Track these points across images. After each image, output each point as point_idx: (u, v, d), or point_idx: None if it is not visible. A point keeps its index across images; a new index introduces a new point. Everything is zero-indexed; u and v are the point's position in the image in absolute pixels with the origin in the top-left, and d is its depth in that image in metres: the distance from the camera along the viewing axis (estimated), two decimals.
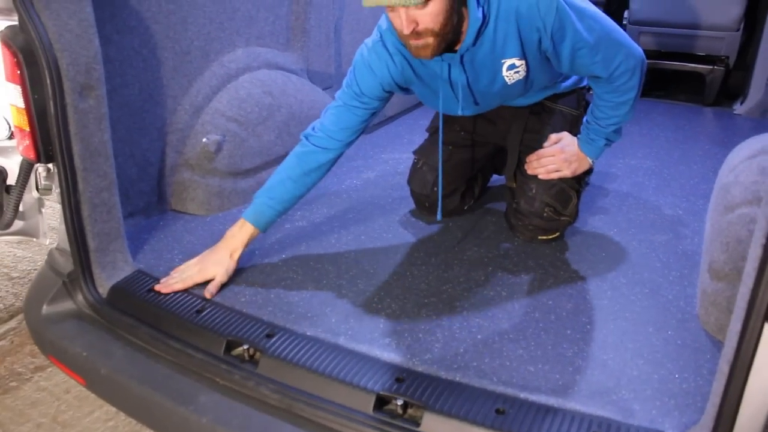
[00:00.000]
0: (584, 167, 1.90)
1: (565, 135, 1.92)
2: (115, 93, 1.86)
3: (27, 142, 1.63)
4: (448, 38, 1.56)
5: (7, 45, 1.56)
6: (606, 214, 2.15)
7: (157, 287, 1.70)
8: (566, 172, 1.88)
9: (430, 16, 1.47)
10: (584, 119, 1.88)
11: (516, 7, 1.58)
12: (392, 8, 1.48)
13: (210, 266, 1.73)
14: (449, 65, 1.68)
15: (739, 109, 3.50)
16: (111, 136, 1.71)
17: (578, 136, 1.89)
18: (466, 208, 2.16)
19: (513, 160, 2.02)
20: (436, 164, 2.04)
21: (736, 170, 1.64)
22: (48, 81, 1.55)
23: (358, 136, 1.84)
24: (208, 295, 1.67)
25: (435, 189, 2.05)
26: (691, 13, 3.58)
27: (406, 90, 1.85)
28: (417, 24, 1.48)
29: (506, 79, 1.72)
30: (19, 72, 1.56)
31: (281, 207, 1.79)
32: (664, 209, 2.18)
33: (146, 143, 2.05)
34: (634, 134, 2.98)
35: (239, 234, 1.78)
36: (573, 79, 1.98)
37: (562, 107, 1.99)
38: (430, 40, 1.52)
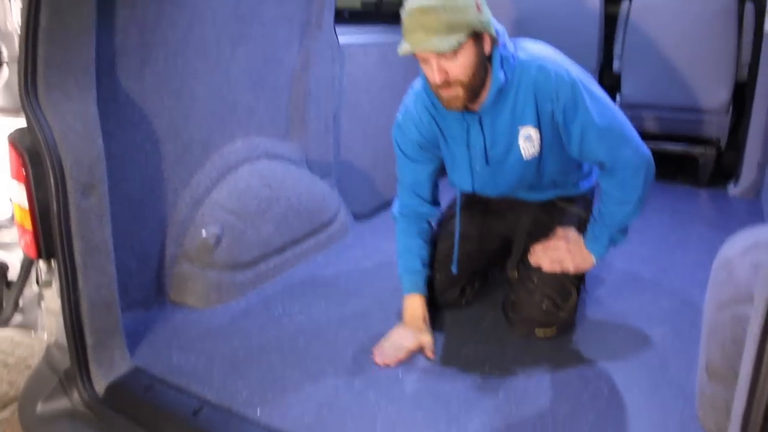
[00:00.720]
0: (587, 265, 1.92)
1: (572, 231, 1.96)
2: (116, 187, 1.88)
3: (28, 239, 1.66)
4: (477, 91, 1.67)
5: (14, 146, 1.60)
6: (602, 306, 2.15)
7: (379, 361, 1.80)
8: (569, 266, 1.90)
9: (460, 68, 1.59)
10: (591, 217, 1.92)
11: (534, 77, 1.69)
12: (425, 59, 1.59)
13: (418, 333, 1.89)
14: (468, 125, 1.77)
15: (733, 190, 3.54)
16: (111, 230, 1.73)
17: (584, 234, 1.93)
18: (464, 302, 2.16)
19: (518, 250, 2.06)
20: (440, 257, 2.08)
21: (729, 266, 1.65)
22: (52, 181, 1.59)
23: (432, 190, 2.03)
24: (433, 356, 1.83)
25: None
26: (681, 97, 3.66)
27: None
28: (447, 74, 1.59)
29: (522, 151, 1.79)
30: (24, 172, 1.60)
31: (424, 269, 2.01)
32: (661, 300, 2.19)
33: (146, 236, 2.07)
34: None
35: (415, 305, 1.97)
36: (585, 185, 2.05)
37: (572, 208, 2.05)
38: (460, 91, 1.63)
